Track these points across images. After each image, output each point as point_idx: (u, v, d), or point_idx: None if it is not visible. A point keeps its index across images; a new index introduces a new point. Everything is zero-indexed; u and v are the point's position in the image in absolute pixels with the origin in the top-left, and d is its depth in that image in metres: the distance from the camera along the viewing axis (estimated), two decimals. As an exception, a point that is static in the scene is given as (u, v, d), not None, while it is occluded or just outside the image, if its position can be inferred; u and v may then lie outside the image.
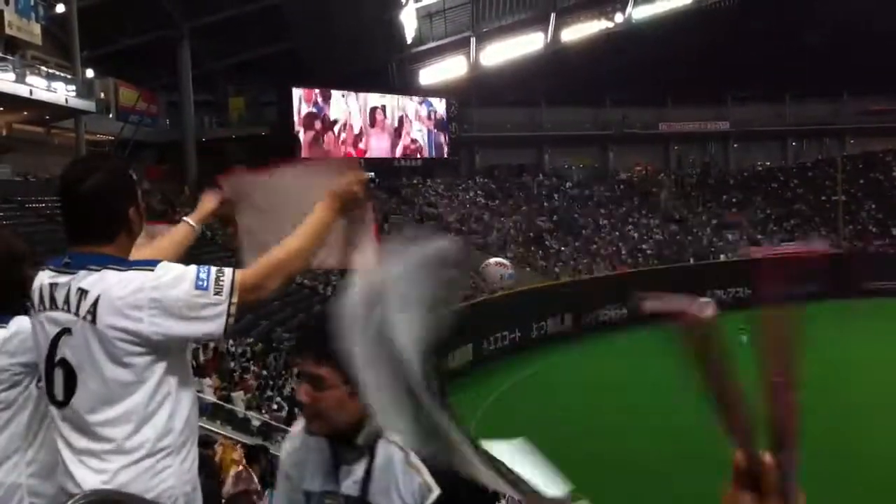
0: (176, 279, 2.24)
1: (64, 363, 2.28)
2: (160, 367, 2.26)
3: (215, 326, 2.25)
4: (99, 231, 2.34)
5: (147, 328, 2.20)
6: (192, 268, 2.28)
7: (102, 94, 36.91)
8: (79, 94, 31.29)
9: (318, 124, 46.31)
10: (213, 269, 2.28)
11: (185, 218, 2.98)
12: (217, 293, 2.23)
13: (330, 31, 42.34)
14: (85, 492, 2.06)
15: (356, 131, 48.23)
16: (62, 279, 2.30)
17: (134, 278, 2.23)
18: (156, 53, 39.91)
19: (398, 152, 50.61)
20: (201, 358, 20.69)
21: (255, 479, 7.89)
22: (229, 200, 2.94)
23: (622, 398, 27.60)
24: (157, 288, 2.21)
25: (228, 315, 2.25)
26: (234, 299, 2.25)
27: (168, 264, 2.30)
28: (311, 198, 2.50)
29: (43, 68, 30.21)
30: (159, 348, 2.24)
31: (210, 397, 18.15)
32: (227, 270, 2.28)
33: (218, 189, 3.00)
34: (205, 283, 2.23)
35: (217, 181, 3.01)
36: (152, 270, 2.25)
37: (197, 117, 43.22)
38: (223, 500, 6.56)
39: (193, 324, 2.23)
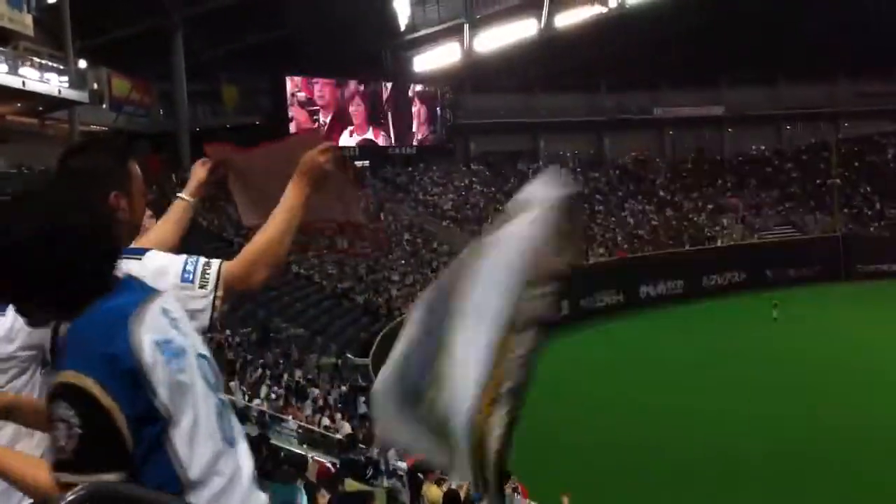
0: (162, 271, 2.23)
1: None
2: None
3: (199, 320, 2.23)
4: None
5: None
6: (180, 259, 2.28)
7: (95, 85, 36.75)
8: (72, 85, 31.18)
9: (309, 109, 46.31)
10: (201, 261, 2.27)
11: (179, 194, 2.98)
12: (202, 286, 2.22)
13: (323, 18, 42.19)
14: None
15: (352, 113, 48.25)
16: None
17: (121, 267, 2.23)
18: (149, 43, 39.73)
19: (397, 133, 50.62)
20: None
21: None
22: (218, 167, 2.98)
23: (617, 382, 27.76)
24: (143, 278, 2.17)
25: (213, 308, 2.23)
26: (220, 293, 2.24)
27: (156, 254, 2.30)
28: (283, 176, 2.52)
29: (35, 59, 30.07)
30: None
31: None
32: (214, 263, 2.27)
33: (205, 158, 3.02)
34: (190, 276, 2.23)
35: (204, 151, 3.03)
36: (139, 260, 2.24)
37: (191, 107, 43.08)
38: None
39: None
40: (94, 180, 2.35)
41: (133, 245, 2.47)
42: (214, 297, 2.23)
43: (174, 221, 2.90)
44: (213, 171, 2.97)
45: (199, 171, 2.99)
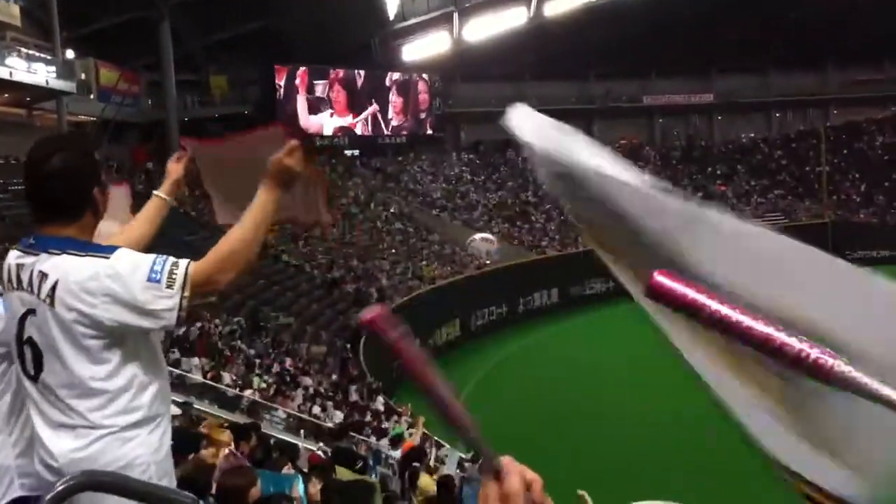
0: (130, 270, 2.26)
1: (31, 342, 2.34)
2: (119, 350, 2.31)
3: (166, 319, 2.29)
4: (64, 210, 2.37)
5: (101, 314, 2.24)
6: (148, 259, 2.30)
7: (83, 75, 36.56)
8: (59, 76, 31.06)
9: (300, 100, 46.24)
10: (169, 261, 2.30)
11: (155, 192, 3.02)
12: (169, 286, 2.26)
13: (312, 7, 42.00)
14: (74, 473, 2.08)
15: (338, 105, 48.10)
16: (27, 260, 2.34)
17: (90, 265, 2.26)
18: (136, 33, 39.47)
19: (382, 124, 50.48)
20: (190, 338, 20.72)
21: (243, 458, 7.89)
22: (191, 163, 3.05)
23: (604, 370, 27.92)
24: (112, 277, 2.24)
25: (180, 308, 2.28)
26: (186, 293, 2.28)
27: (125, 252, 2.33)
28: (251, 172, 2.55)
29: (23, 50, 29.92)
30: (115, 334, 2.29)
31: (198, 377, 18.17)
32: (182, 263, 2.31)
33: (182, 152, 3.13)
34: (157, 276, 2.26)
35: (180, 145, 3.10)
36: (108, 258, 2.27)
37: (179, 97, 42.81)
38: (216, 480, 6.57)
39: (145, 316, 2.26)
40: (81, 179, 2.40)
41: (106, 242, 2.50)
42: (181, 298, 2.27)
43: (149, 220, 2.98)
44: (186, 167, 3.08)
45: (173, 169, 3.09)
